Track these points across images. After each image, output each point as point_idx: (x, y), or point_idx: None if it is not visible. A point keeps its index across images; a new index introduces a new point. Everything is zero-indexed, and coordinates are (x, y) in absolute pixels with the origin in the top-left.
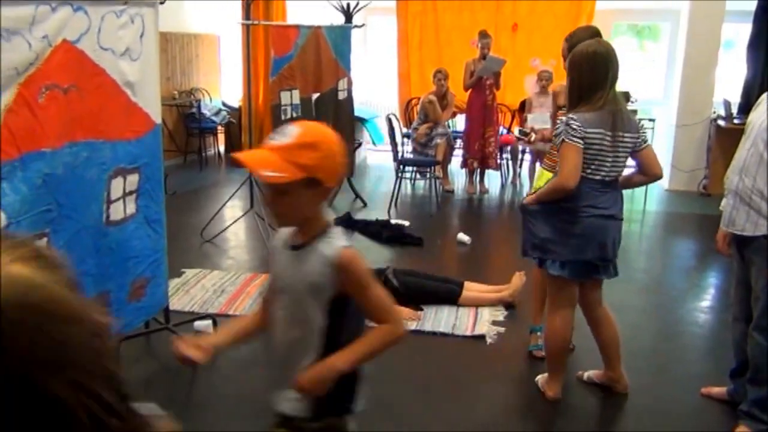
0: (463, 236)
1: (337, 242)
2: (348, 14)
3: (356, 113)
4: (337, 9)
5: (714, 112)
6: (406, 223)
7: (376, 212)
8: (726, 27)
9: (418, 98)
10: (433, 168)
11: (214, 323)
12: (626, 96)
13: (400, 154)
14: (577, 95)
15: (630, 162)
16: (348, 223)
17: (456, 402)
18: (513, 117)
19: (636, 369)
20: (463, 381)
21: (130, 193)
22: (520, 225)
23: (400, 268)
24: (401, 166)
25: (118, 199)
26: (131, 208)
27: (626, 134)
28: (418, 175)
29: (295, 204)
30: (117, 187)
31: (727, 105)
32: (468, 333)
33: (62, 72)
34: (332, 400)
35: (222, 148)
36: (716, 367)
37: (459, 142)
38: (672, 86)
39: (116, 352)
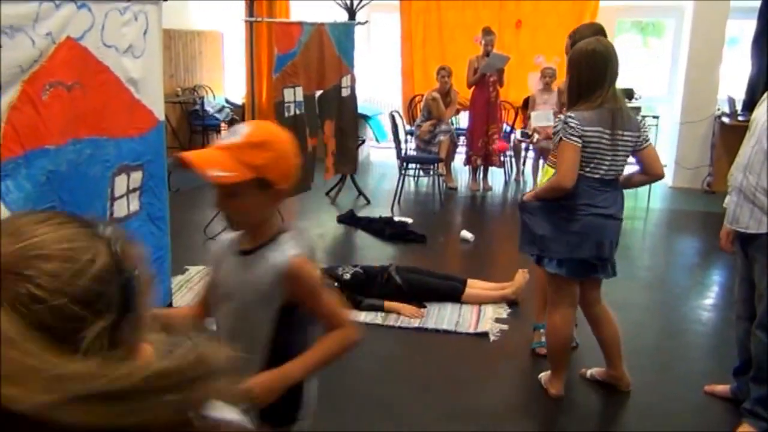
0: (466, 233)
1: (287, 250)
2: (351, 11)
3: (359, 110)
4: (341, 6)
5: (718, 109)
6: (410, 221)
7: (380, 209)
8: (730, 24)
9: (422, 95)
10: (436, 165)
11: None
12: (630, 93)
13: (403, 152)
14: (576, 93)
15: (632, 161)
16: (351, 220)
17: (459, 399)
18: (516, 114)
19: (639, 366)
20: (466, 378)
21: (134, 190)
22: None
23: (403, 265)
24: (404, 164)
25: (122, 196)
26: (135, 205)
27: (626, 132)
28: (421, 173)
29: (246, 206)
30: (121, 184)
31: (732, 102)
32: (471, 330)
33: (66, 69)
34: (279, 409)
35: None
36: (720, 365)
37: (462, 140)
38: (676, 83)
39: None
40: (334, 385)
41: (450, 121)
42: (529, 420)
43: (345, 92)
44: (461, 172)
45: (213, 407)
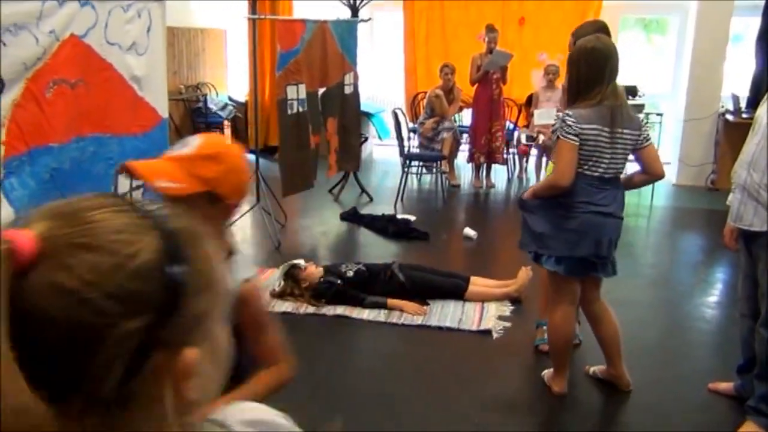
0: (469, 231)
1: (239, 273)
2: (354, 8)
3: (362, 108)
4: (344, 3)
5: (722, 107)
6: (413, 218)
7: (383, 207)
8: (735, 21)
9: (425, 93)
10: (439, 162)
11: None
12: (633, 90)
13: (406, 149)
14: (576, 91)
15: (632, 159)
16: (354, 217)
17: (462, 397)
18: (520, 111)
19: (643, 364)
20: (469, 376)
21: (137, 187)
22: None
23: (406, 262)
24: (407, 161)
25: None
26: None
27: (625, 130)
28: (424, 170)
29: None
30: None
31: (736, 99)
32: (474, 328)
33: (69, 67)
34: None
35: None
36: (723, 363)
37: (465, 137)
38: (680, 80)
39: None
40: (337, 382)
41: (453, 118)
42: (532, 417)
43: (348, 90)
44: (464, 170)
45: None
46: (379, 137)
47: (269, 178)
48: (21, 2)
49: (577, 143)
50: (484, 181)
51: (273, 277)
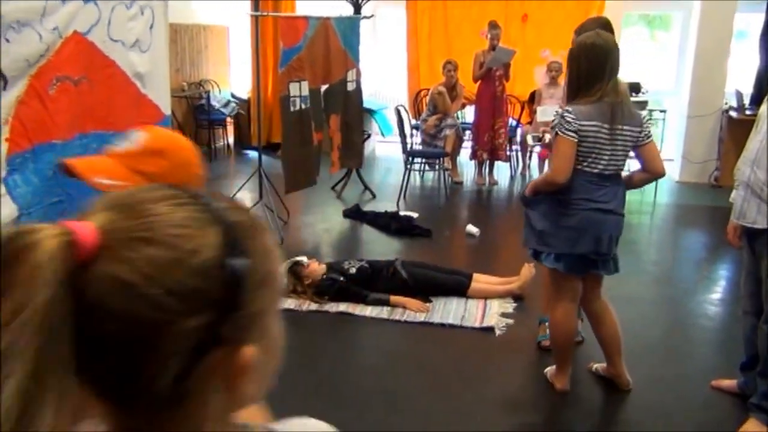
0: (472, 228)
1: None
2: (357, 5)
3: (365, 104)
4: (346, 0)
5: (726, 103)
6: (415, 215)
7: (385, 204)
8: (738, 17)
9: (428, 89)
10: (442, 159)
11: None
12: (636, 87)
13: (409, 146)
14: (576, 87)
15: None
16: (357, 214)
17: (464, 393)
18: (522, 108)
19: (646, 361)
20: (472, 373)
21: None
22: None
23: (408, 259)
24: (410, 158)
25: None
26: None
27: (626, 127)
28: (427, 167)
29: None
30: None
31: (739, 96)
32: (477, 325)
33: (73, 64)
34: None
35: (231, 140)
36: (727, 360)
37: (468, 134)
38: (683, 77)
39: None
40: (340, 379)
41: (456, 115)
42: (534, 414)
43: (351, 86)
44: (467, 167)
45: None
46: (382, 134)
47: (272, 175)
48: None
49: (576, 140)
50: (487, 178)
51: None
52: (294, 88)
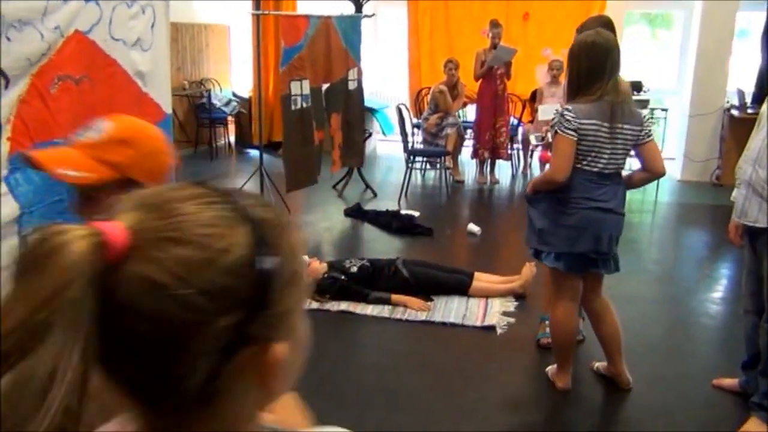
0: (473, 227)
1: None
2: (358, 4)
3: (366, 103)
4: None
5: (727, 102)
6: (416, 214)
7: (386, 203)
8: (740, 15)
9: (429, 88)
10: (443, 158)
11: None
12: (638, 86)
13: (410, 145)
14: (576, 86)
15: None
16: (358, 213)
17: (466, 392)
18: (524, 107)
19: (647, 360)
20: (473, 371)
21: None
22: (530, 215)
23: (410, 258)
24: (411, 157)
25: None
26: None
27: (626, 126)
28: (428, 166)
29: None
30: None
31: (741, 94)
32: (478, 323)
33: (74, 62)
34: None
35: (232, 139)
36: (728, 359)
37: (469, 133)
38: (685, 75)
39: None
40: (341, 378)
41: (457, 114)
42: (535, 413)
43: (352, 85)
44: (468, 165)
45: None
46: (383, 133)
47: (273, 173)
48: None
49: (575, 138)
50: (488, 177)
51: None
52: (295, 87)
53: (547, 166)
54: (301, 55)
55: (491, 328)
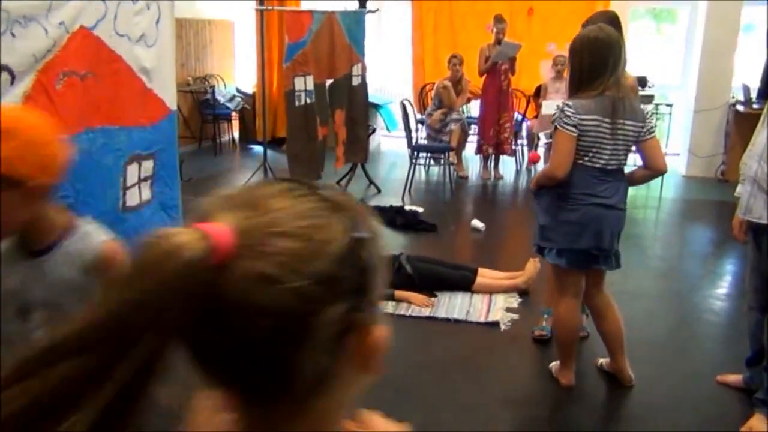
0: (477, 222)
1: (95, 237)
2: None
3: (370, 99)
4: None
5: (732, 97)
6: (420, 210)
7: (390, 198)
8: (746, 10)
9: (433, 84)
10: (447, 154)
11: None
12: (643, 81)
13: (414, 140)
14: (578, 81)
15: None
16: None
17: (469, 388)
18: (528, 102)
19: (651, 356)
20: (477, 367)
21: (146, 179)
22: (535, 211)
23: (413, 254)
24: (415, 153)
25: (134, 185)
26: (147, 194)
27: (627, 122)
28: (432, 162)
29: None
30: (132, 173)
31: (746, 90)
32: (482, 319)
33: (79, 59)
34: None
35: (236, 135)
36: (732, 355)
37: (474, 128)
38: (690, 70)
39: None
40: None
41: (461, 109)
42: (539, 409)
43: (356, 81)
44: (472, 161)
45: None
46: (387, 129)
47: (277, 169)
48: None
49: (575, 134)
50: (492, 173)
51: None
52: (299, 83)
53: (538, 165)
54: (305, 50)
55: (495, 324)
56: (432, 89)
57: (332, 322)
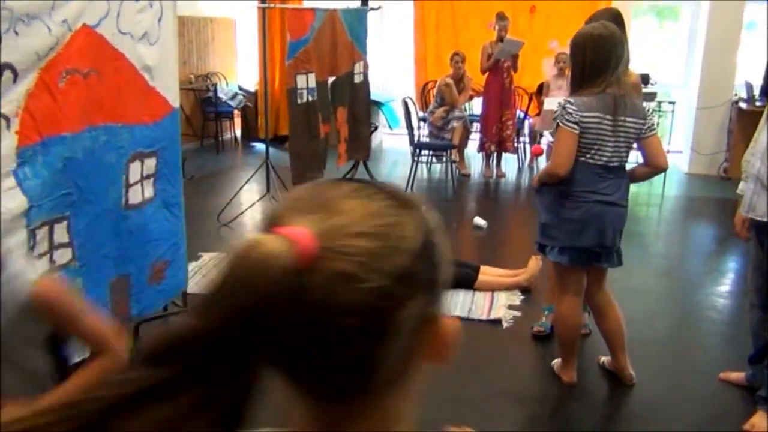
0: (479, 220)
1: (23, 276)
2: None
3: (372, 97)
4: None
5: (735, 95)
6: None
7: None
8: (749, 7)
9: (435, 81)
10: (449, 152)
11: None
12: (645, 78)
13: (416, 138)
14: (580, 78)
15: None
16: None
17: (471, 385)
18: (530, 100)
19: (653, 353)
20: (479, 365)
21: (148, 177)
22: (537, 209)
23: None
24: (417, 150)
25: (136, 182)
26: (149, 191)
27: (628, 119)
28: (434, 159)
29: None
30: (135, 170)
31: (749, 87)
32: (484, 317)
33: (82, 56)
34: None
35: (239, 133)
36: (735, 353)
37: (476, 126)
38: (693, 68)
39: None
40: None
41: (463, 107)
42: (541, 406)
43: (358, 79)
44: (474, 159)
45: None
46: (389, 126)
47: (279, 167)
48: None
49: (577, 131)
50: (495, 170)
51: None
52: (301, 81)
53: (541, 158)
54: (307, 48)
55: (497, 322)
56: (434, 87)
57: (412, 317)
